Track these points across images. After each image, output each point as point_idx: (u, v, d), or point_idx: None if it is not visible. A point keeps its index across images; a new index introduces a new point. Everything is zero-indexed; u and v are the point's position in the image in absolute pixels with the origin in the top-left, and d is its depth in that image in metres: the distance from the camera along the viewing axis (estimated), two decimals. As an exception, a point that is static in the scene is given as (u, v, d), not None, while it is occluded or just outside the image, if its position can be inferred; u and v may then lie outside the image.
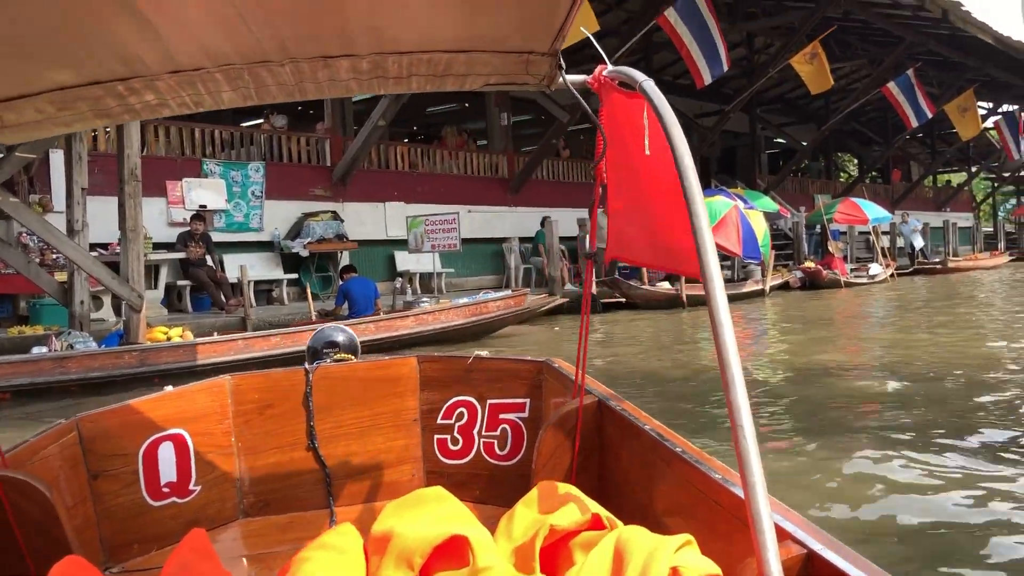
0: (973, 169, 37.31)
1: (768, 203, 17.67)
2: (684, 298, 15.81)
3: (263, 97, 1.83)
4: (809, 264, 20.99)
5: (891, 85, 21.97)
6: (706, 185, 22.82)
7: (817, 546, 1.25)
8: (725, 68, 16.29)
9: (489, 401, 2.72)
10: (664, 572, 1.19)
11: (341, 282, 11.76)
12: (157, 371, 8.34)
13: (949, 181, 40.70)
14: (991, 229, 38.35)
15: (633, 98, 1.61)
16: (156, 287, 11.70)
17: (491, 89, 2.30)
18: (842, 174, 37.48)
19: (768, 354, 9.50)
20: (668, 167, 1.41)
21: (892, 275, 22.45)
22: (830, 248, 21.43)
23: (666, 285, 16.41)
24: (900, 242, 27.32)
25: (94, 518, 2.25)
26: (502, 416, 2.70)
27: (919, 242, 27.29)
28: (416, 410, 2.80)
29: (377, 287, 11.74)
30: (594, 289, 15.45)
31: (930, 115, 22.58)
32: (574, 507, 1.58)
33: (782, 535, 1.27)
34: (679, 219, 1.46)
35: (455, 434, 2.76)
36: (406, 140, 20.04)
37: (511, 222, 18.19)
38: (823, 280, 20.30)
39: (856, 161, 38.23)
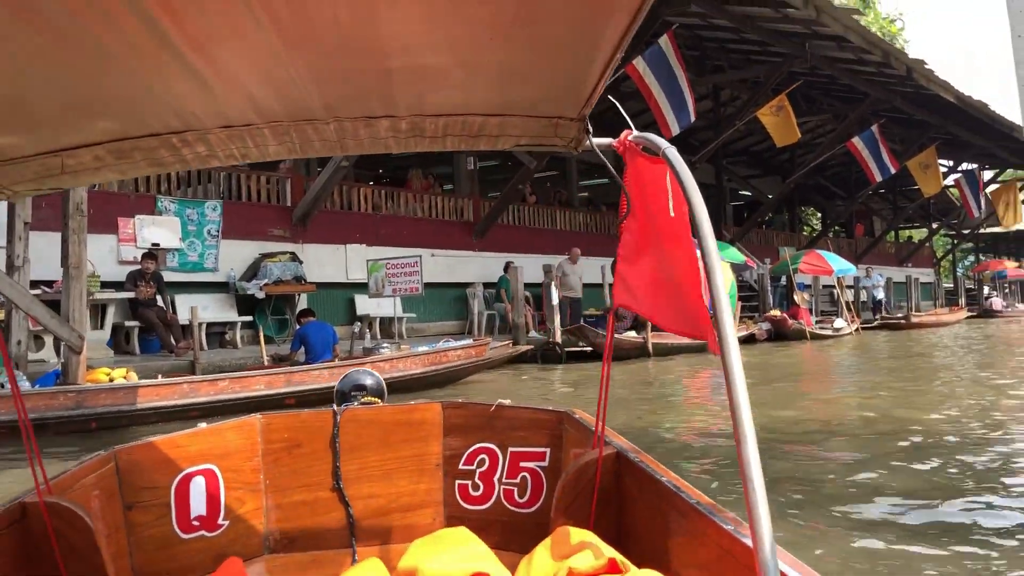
0: (934, 225, 37.90)
1: (735, 254, 17.59)
2: (650, 347, 15.56)
3: (307, 151, 1.92)
4: (775, 313, 20.92)
5: (856, 140, 22.18)
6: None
7: None
8: (692, 119, 16.31)
9: (510, 449, 2.76)
10: None
11: (298, 326, 11.36)
12: (94, 415, 7.90)
13: (911, 237, 41.32)
14: (951, 285, 38.87)
15: (656, 163, 1.67)
16: (102, 327, 11.24)
17: (521, 149, 2.38)
18: (806, 227, 37.87)
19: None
20: (686, 230, 1.53)
21: (857, 329, 22.47)
22: (796, 299, 21.39)
23: (632, 334, 16.16)
24: (863, 296, 27.51)
25: (127, 547, 2.33)
26: (523, 464, 2.74)
27: (881, 296, 27.49)
28: (439, 455, 2.84)
29: (336, 332, 11.36)
30: (558, 337, 15.16)
31: (893, 171, 22.83)
32: (591, 552, 1.60)
33: None
34: (692, 281, 1.58)
35: (476, 480, 2.79)
36: (371, 183, 19.77)
37: (475, 267, 17.90)
38: (788, 329, 20.20)
39: (820, 215, 38.68)
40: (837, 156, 25.17)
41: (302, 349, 10.80)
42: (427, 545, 1.70)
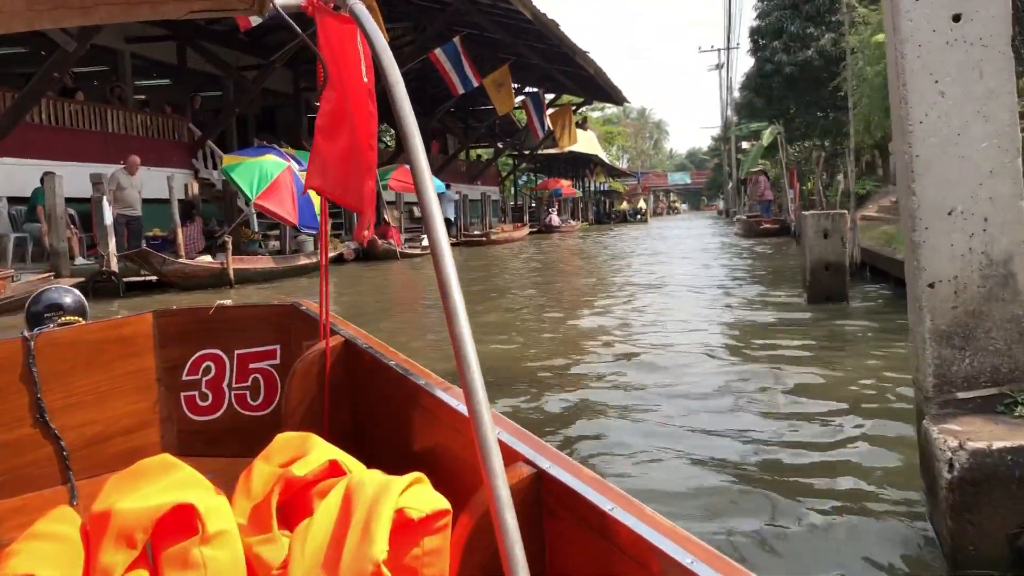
0: (499, 146, 39.60)
1: (324, 166, 15.91)
2: (232, 274, 13.36)
3: None
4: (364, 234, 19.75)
5: (438, 52, 21.66)
6: (247, 143, 20.40)
7: (546, 464, 1.31)
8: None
9: (237, 351, 2.65)
10: (389, 515, 1.18)
11: None
12: None
13: (480, 156, 42.94)
14: (519, 203, 41.31)
15: (345, 22, 1.61)
16: None
17: (196, 17, 1.76)
18: (381, 143, 37.28)
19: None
20: (374, 97, 1.63)
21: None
22: (386, 217, 20.35)
23: (207, 259, 13.80)
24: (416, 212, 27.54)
25: None
26: (252, 365, 2.64)
27: (451, 214, 27.83)
28: (158, 368, 2.68)
29: None
30: (114, 265, 12.30)
31: (476, 83, 22.71)
32: (314, 455, 1.51)
33: (513, 456, 1.35)
34: (369, 154, 1.68)
35: (203, 389, 2.68)
36: None
37: (-4, 177, 13.93)
38: (378, 249, 19.19)
39: (392, 132, 38.29)
40: (414, 71, 24.64)
41: None
42: (123, 481, 1.45)
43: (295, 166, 13.80)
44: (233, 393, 2.65)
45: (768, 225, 24.25)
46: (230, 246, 13.22)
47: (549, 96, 35.68)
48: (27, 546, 1.35)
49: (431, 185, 1.19)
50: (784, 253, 17.05)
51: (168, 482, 1.44)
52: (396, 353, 1.98)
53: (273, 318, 2.64)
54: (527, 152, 40.41)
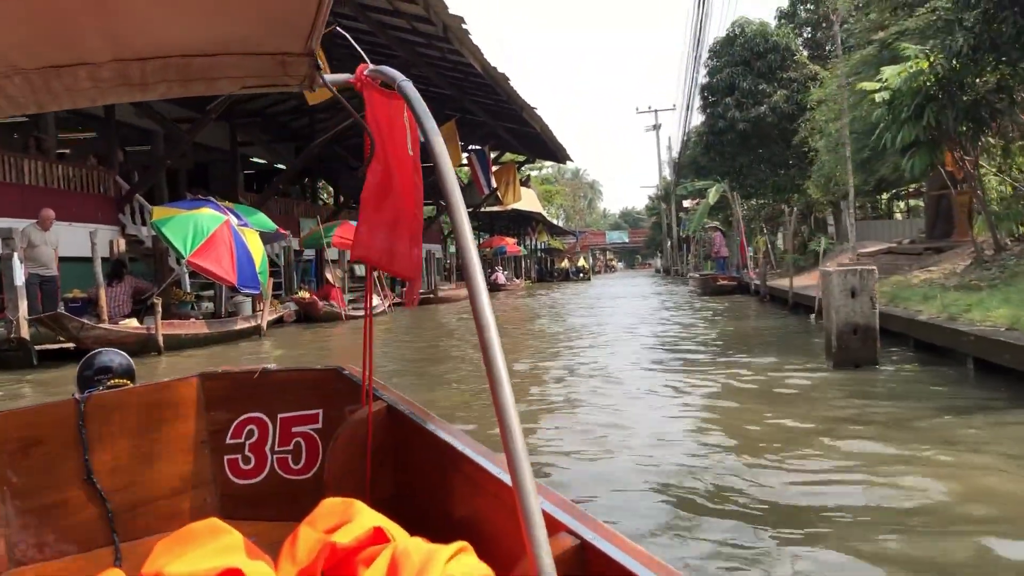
0: (442, 203, 38.73)
1: (265, 220, 14.65)
2: (160, 340, 12.01)
3: (3, 111, 1.72)
4: (303, 295, 18.46)
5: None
6: (179, 196, 19.07)
7: (590, 535, 1.30)
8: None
9: (280, 415, 2.68)
10: None
11: None
12: None
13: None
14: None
15: (393, 98, 1.70)
16: None
17: (250, 91, 1.91)
18: (321, 200, 36.10)
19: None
20: (419, 169, 1.70)
21: (391, 306, 21.04)
22: (328, 276, 19.13)
23: (133, 323, 12.43)
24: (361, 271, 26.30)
25: None
26: (295, 429, 2.66)
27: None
28: (203, 432, 2.71)
29: None
30: (24, 331, 10.87)
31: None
32: (358, 522, 1.53)
33: (556, 526, 1.34)
34: (414, 221, 1.77)
35: (246, 453, 2.69)
36: None
37: None
38: (319, 312, 17.95)
39: (332, 188, 37.13)
40: (358, 126, 23.51)
41: None
42: (173, 544, 1.50)
43: (234, 220, 12.61)
44: (275, 457, 2.66)
45: (724, 282, 23.69)
46: (159, 309, 11.87)
47: (492, 154, 35.14)
48: None
49: (474, 252, 1.22)
50: (762, 314, 16.35)
51: (216, 546, 1.47)
52: (438, 419, 1.99)
53: (315, 382, 2.67)
54: (470, 209, 39.64)
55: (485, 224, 49.02)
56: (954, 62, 9.93)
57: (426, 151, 1.45)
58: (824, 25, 26.96)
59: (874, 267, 7.36)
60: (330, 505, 1.62)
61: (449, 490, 1.83)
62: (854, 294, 6.75)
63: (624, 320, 16.41)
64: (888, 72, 10.60)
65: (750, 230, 32.21)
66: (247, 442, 2.68)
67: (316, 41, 1.67)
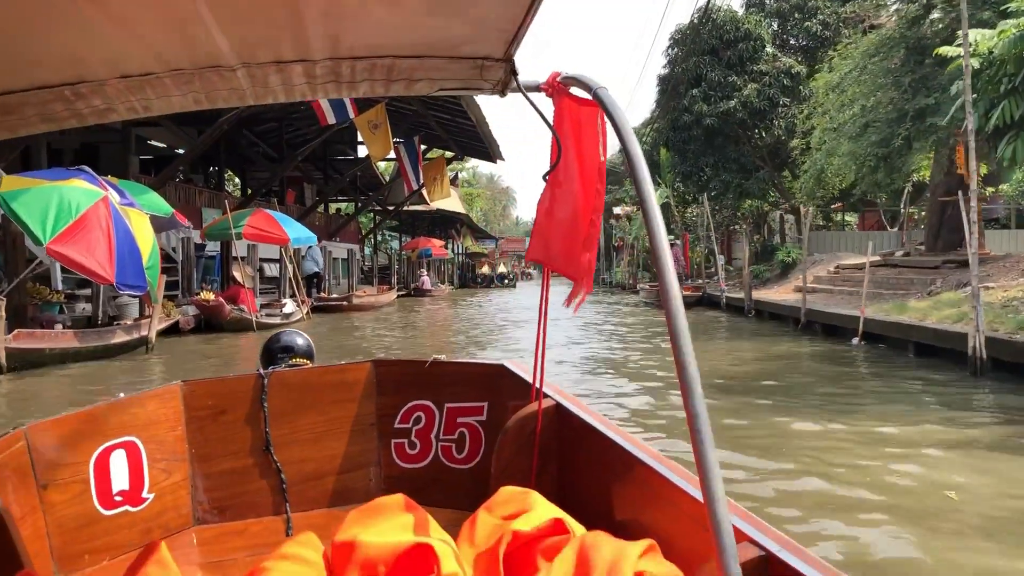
0: (363, 200, 35.51)
1: (157, 202, 11.49)
2: (3, 356, 8.83)
3: (214, 101, 1.77)
4: (207, 296, 15.27)
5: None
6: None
7: (775, 547, 1.28)
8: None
9: (447, 405, 2.75)
10: None
11: None
12: None
13: (339, 209, 38.64)
14: (385, 263, 37.30)
15: (585, 106, 1.69)
16: None
17: (445, 94, 1.93)
18: (227, 187, 32.46)
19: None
20: (603, 176, 1.70)
21: (308, 313, 17.97)
22: (236, 275, 15.92)
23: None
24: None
25: (44, 529, 2.22)
26: (460, 420, 2.73)
27: (318, 267, 23.69)
28: (373, 414, 2.81)
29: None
30: None
31: (352, 115, 18.90)
32: (536, 512, 1.58)
33: (740, 537, 1.32)
34: (586, 227, 1.74)
35: (412, 438, 2.78)
36: None
37: None
38: (225, 318, 14.81)
39: (239, 180, 33.54)
40: (274, 108, 20.80)
41: None
42: (364, 515, 1.59)
43: (115, 197, 9.48)
44: (440, 444, 2.74)
45: (687, 293, 21.35)
46: (3, 314, 8.68)
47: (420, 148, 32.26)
48: (278, 565, 1.46)
49: (667, 249, 1.20)
50: (766, 333, 14.03)
51: (404, 521, 1.54)
52: (608, 421, 2.00)
53: (483, 377, 2.72)
54: (392, 208, 36.48)
55: (406, 224, 45.94)
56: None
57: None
58: (797, 16, 24.94)
59: None
60: (508, 493, 1.70)
61: (617, 492, 1.83)
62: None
63: (606, 343, 13.90)
64: (979, 36, 8.35)
65: (696, 238, 30.26)
66: (414, 428, 2.77)
67: (516, 47, 1.68)
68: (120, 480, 2.40)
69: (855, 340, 11.08)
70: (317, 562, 1.49)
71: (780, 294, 18.61)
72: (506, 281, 53.21)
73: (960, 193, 15.17)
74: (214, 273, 18.84)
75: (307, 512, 2.64)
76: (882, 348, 10.70)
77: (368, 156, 29.47)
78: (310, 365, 2.89)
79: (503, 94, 1.83)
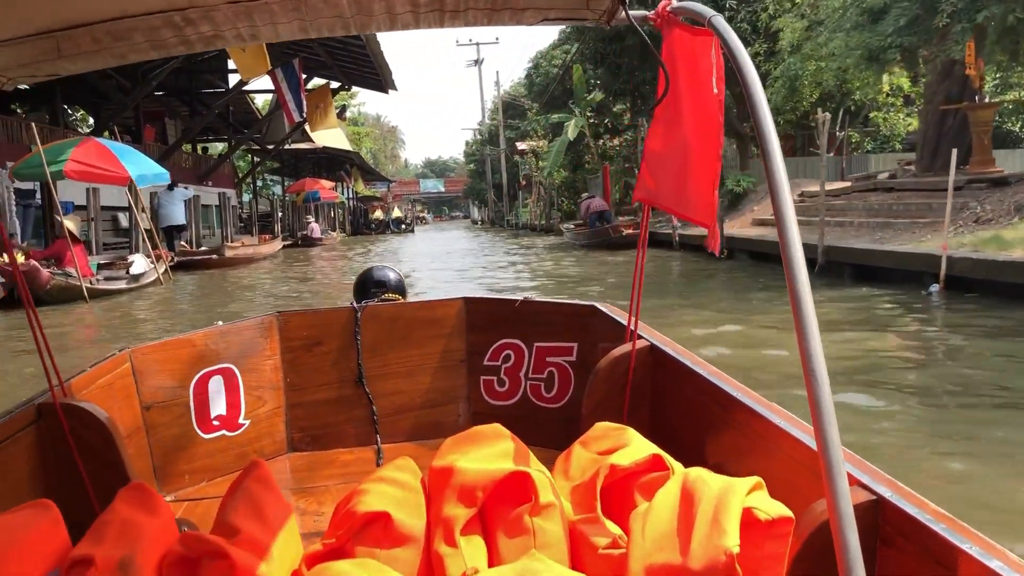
0: (236, 138, 31.04)
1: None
2: None
3: (319, 30, 1.74)
4: (19, 256, 11.36)
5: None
6: None
7: (887, 492, 1.24)
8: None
9: (536, 344, 2.73)
10: (737, 514, 1.16)
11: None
12: None
13: (207, 150, 33.98)
14: (267, 209, 33.06)
15: (698, 35, 1.58)
16: None
17: (549, 25, 1.91)
18: (81, 128, 27.58)
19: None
20: (721, 109, 1.54)
21: (166, 272, 14.20)
22: (69, 227, 11.88)
23: None
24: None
25: (147, 448, 2.30)
26: (549, 359, 2.70)
27: (181, 218, 19.68)
28: (463, 351, 2.82)
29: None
30: None
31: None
32: (633, 448, 1.54)
33: (851, 480, 1.28)
34: (712, 166, 1.58)
35: (502, 376, 2.78)
36: None
37: None
38: (42, 286, 10.95)
39: (91, 119, 28.56)
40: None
41: None
42: (461, 443, 1.57)
43: None
44: (529, 383, 2.73)
45: (631, 232, 18.27)
46: None
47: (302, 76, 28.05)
48: (377, 488, 1.45)
49: (789, 203, 1.08)
50: (762, 276, 11.25)
51: (501, 449, 1.51)
52: (706, 363, 1.95)
53: (573, 316, 2.67)
54: (271, 146, 32.17)
55: (289, 166, 41.51)
56: None
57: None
58: None
59: None
60: (603, 428, 1.66)
61: (715, 434, 1.80)
62: None
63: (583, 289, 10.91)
64: None
65: (620, 169, 27.40)
66: (503, 366, 2.76)
67: None
68: (218, 405, 2.48)
69: (934, 287, 8.33)
70: (415, 486, 1.49)
71: (738, 228, 15.95)
72: (403, 226, 49.71)
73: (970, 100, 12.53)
74: (37, 225, 14.78)
75: (396, 443, 2.68)
76: (978, 300, 7.84)
77: (241, 84, 25.39)
78: (401, 300, 2.93)
79: (609, 24, 1.79)
